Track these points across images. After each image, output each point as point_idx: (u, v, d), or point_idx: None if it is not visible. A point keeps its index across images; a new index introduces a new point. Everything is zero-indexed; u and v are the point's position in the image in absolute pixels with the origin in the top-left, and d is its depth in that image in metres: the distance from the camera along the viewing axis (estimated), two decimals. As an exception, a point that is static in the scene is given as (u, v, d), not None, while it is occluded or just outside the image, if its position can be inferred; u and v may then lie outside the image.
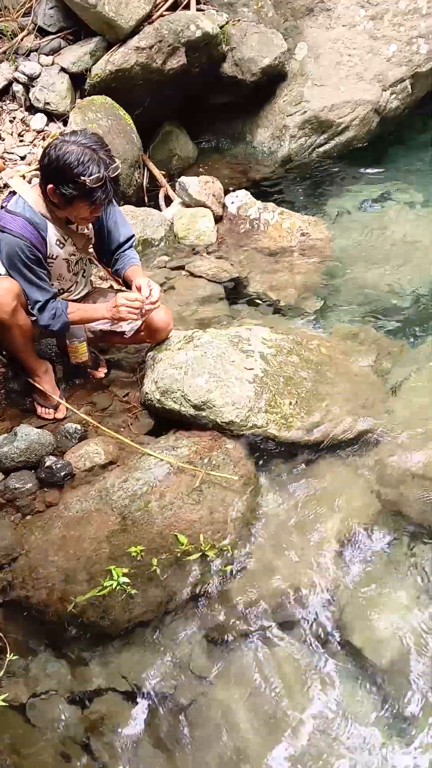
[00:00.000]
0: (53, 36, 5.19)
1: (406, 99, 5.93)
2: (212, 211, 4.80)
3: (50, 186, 2.69)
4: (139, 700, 2.36)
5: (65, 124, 4.96)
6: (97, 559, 2.56)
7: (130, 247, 3.14)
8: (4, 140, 4.92)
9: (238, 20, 5.63)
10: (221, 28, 5.35)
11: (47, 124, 5.04)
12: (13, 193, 2.84)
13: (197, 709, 2.33)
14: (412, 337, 3.83)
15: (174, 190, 5.07)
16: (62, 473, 2.87)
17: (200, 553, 2.59)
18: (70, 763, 2.23)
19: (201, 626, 2.53)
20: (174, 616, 2.55)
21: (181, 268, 4.41)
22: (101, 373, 3.42)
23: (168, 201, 5.14)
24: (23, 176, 4.45)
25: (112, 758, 2.23)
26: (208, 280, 4.28)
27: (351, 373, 3.36)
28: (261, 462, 3.01)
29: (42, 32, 5.21)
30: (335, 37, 5.81)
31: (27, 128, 5.02)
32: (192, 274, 4.35)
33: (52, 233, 2.86)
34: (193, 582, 2.58)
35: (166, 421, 3.14)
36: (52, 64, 5.10)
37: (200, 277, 4.32)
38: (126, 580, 2.48)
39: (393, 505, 2.86)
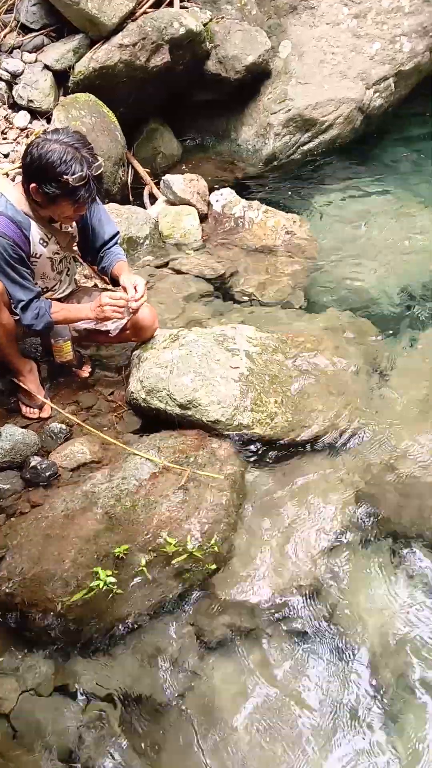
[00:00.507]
0: (36, 33, 5.16)
1: (389, 97, 5.96)
2: (197, 209, 4.79)
3: (33, 185, 2.67)
4: (126, 701, 2.35)
5: (49, 121, 4.93)
6: (83, 559, 2.54)
7: (115, 244, 3.13)
8: (-14, 138, 4.89)
9: (222, 18, 5.62)
10: (205, 25, 5.34)
11: (31, 122, 5.01)
12: (-4, 191, 2.82)
13: (185, 708, 2.33)
14: (397, 334, 3.84)
15: (159, 188, 5.06)
16: (47, 473, 2.85)
17: (187, 553, 2.59)
18: (54, 765, 2.22)
19: (188, 626, 2.53)
20: (161, 616, 2.54)
21: (166, 266, 4.41)
22: (86, 372, 3.40)
23: (153, 199, 5.12)
24: (6, 174, 4.41)
25: (99, 760, 2.22)
26: (193, 279, 4.28)
27: (336, 370, 3.36)
28: (247, 460, 3.01)
29: (25, 29, 5.18)
30: (319, 35, 5.82)
31: (10, 126, 4.99)
32: (177, 273, 4.35)
33: (35, 232, 2.84)
34: (179, 582, 2.58)
35: (151, 421, 3.13)
36: (35, 61, 5.07)
37: (185, 275, 4.31)
38: (112, 580, 2.47)
39: (378, 503, 2.87)
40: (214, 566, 2.62)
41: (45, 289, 3.08)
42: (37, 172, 2.63)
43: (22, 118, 5.00)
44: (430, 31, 5.96)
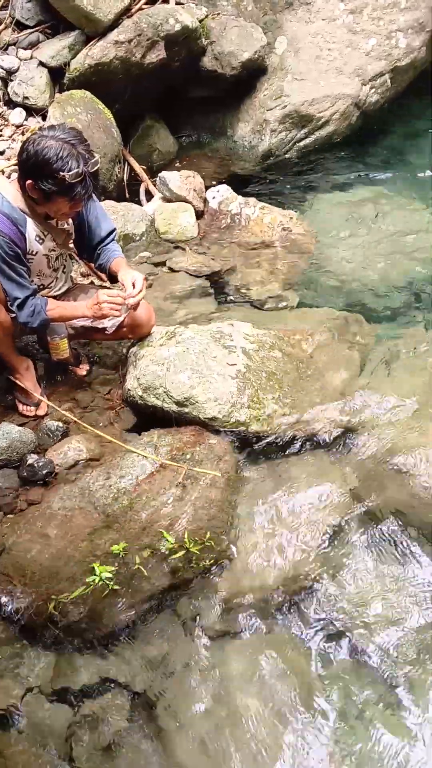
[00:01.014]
0: (31, 30, 5.14)
1: (385, 93, 5.95)
2: (193, 206, 4.79)
3: (29, 181, 2.66)
4: (124, 697, 2.36)
5: (44, 118, 4.92)
6: (80, 557, 2.55)
7: (112, 240, 3.12)
8: (-18, 135, 4.88)
9: (218, 14, 5.61)
10: (201, 21, 5.33)
11: (26, 119, 5.00)
12: (-8, 188, 2.81)
13: (184, 704, 2.33)
14: (395, 330, 3.84)
15: (155, 185, 5.05)
16: (44, 471, 2.85)
17: (184, 550, 2.59)
18: (55, 762, 2.22)
19: (186, 622, 2.53)
20: (158, 612, 2.54)
21: (163, 263, 4.40)
22: (83, 370, 3.40)
23: (149, 196, 5.11)
24: (2, 171, 4.40)
25: (98, 756, 2.22)
26: (190, 276, 4.27)
27: (333, 366, 3.37)
28: (244, 457, 3.01)
29: (20, 26, 5.16)
30: (315, 31, 5.81)
31: (5, 123, 4.97)
32: (173, 270, 4.34)
33: (32, 229, 2.83)
34: (177, 578, 2.58)
35: (148, 418, 3.13)
36: (31, 58, 5.06)
37: (182, 272, 4.31)
38: (109, 576, 2.48)
39: (374, 498, 2.87)
40: (211, 562, 2.63)
41: (41, 287, 3.07)
42: (34, 168, 2.62)
43: (17, 115, 4.98)
44: (426, 26, 5.96)
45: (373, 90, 5.84)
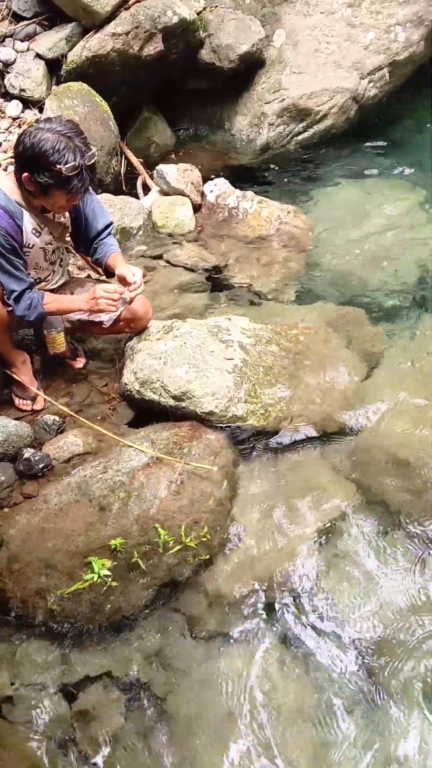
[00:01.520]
0: (28, 21, 5.11)
1: (384, 87, 5.93)
2: (191, 199, 4.77)
3: (25, 174, 2.65)
4: (120, 692, 2.36)
5: (41, 110, 4.89)
6: (76, 551, 2.54)
7: (109, 234, 3.11)
8: (-22, 127, 4.85)
9: (216, 6, 5.59)
10: (198, 14, 5.31)
11: (23, 111, 4.97)
12: (-12, 181, 2.79)
13: (179, 700, 2.33)
14: (390, 324, 3.84)
15: (152, 178, 5.03)
16: (40, 465, 2.84)
17: (180, 544, 2.59)
18: (52, 755, 2.22)
19: (182, 617, 2.53)
20: (155, 607, 2.54)
21: (160, 257, 4.39)
22: (80, 363, 3.39)
23: (146, 189, 5.10)
24: (-2, 164, 4.38)
25: (94, 751, 2.22)
26: (187, 269, 4.26)
27: (330, 360, 3.36)
28: (241, 451, 3.00)
29: (17, 17, 5.13)
30: (313, 24, 5.79)
31: (2, 115, 4.95)
32: (171, 264, 4.33)
33: (28, 222, 2.82)
34: (174, 573, 2.58)
35: (145, 412, 3.12)
36: (28, 50, 5.03)
37: (179, 266, 4.29)
38: (107, 572, 2.47)
39: (371, 491, 2.87)
40: (207, 557, 2.63)
41: (38, 280, 3.06)
42: (30, 161, 2.61)
43: (14, 107, 4.96)
44: (425, 20, 5.93)
45: (372, 84, 5.82)
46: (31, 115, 4.95)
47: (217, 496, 2.77)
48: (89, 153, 2.65)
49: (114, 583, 2.48)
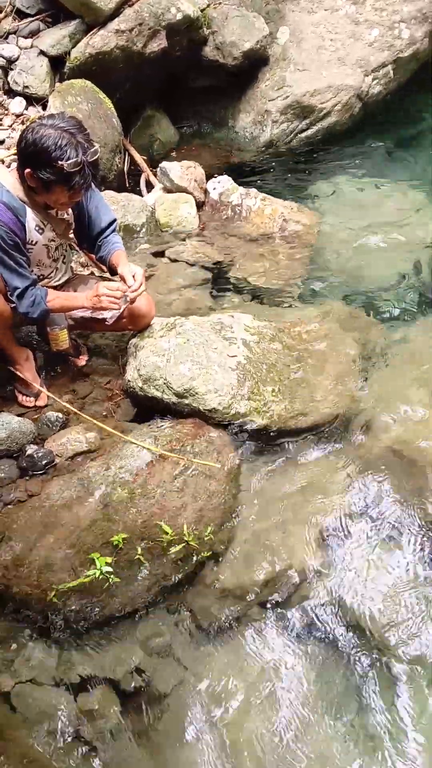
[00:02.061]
0: (32, 18, 5.11)
1: (388, 84, 5.92)
2: (194, 197, 4.76)
3: (28, 170, 2.65)
4: (123, 688, 2.36)
5: (44, 108, 4.89)
6: (79, 547, 2.54)
7: (113, 231, 3.11)
8: (-18, 124, 4.85)
9: (219, 3, 5.57)
10: (202, 11, 5.31)
11: (26, 108, 4.97)
12: (-9, 177, 2.79)
13: (183, 695, 2.33)
14: (395, 322, 3.84)
15: (155, 176, 5.02)
16: (44, 462, 2.84)
17: (184, 542, 2.58)
18: (54, 750, 2.22)
19: (185, 613, 2.54)
20: (158, 604, 2.54)
21: (163, 254, 4.38)
22: (83, 360, 3.39)
23: (149, 187, 5.09)
24: (2, 161, 4.38)
25: (96, 745, 2.23)
26: (191, 267, 4.26)
27: (333, 358, 3.35)
28: (244, 449, 3.00)
29: (20, 14, 5.14)
30: (317, 21, 5.78)
31: (6, 112, 4.95)
32: (174, 261, 4.32)
33: (31, 218, 2.82)
34: (176, 570, 2.58)
35: (148, 409, 3.12)
36: (31, 47, 5.03)
37: (182, 263, 4.29)
38: (109, 568, 2.47)
39: (375, 488, 2.87)
40: (210, 554, 2.63)
41: (41, 277, 3.05)
42: (32, 157, 2.61)
43: (17, 104, 4.96)
44: (429, 17, 5.92)
45: (376, 81, 5.81)
46: (34, 112, 4.95)
47: (220, 492, 2.77)
48: (91, 149, 2.64)
49: (116, 579, 2.48)
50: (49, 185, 2.65)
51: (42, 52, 4.99)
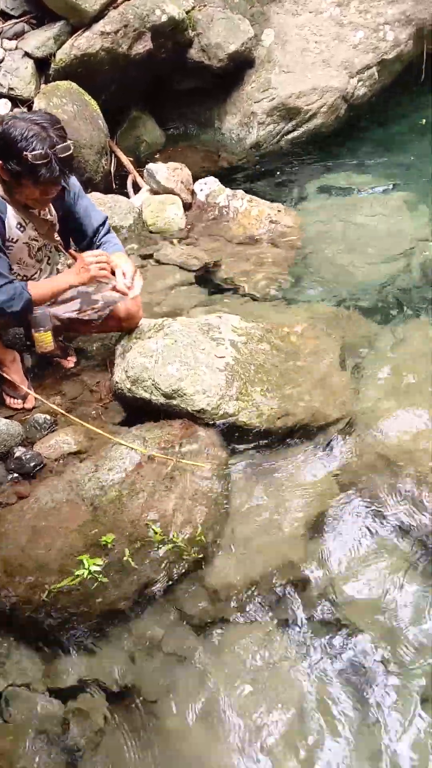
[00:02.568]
0: (16, 20, 5.10)
1: (373, 86, 5.94)
2: (181, 198, 4.77)
3: None
4: (113, 690, 2.35)
5: (30, 109, 4.88)
6: (68, 549, 2.53)
7: (108, 231, 3.11)
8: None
9: (204, 5, 5.58)
10: (187, 13, 5.31)
11: (11, 110, 4.95)
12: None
13: (173, 697, 2.33)
14: (380, 322, 3.84)
15: (142, 177, 5.02)
16: (32, 464, 2.83)
17: (172, 542, 2.58)
18: (44, 755, 2.21)
19: (174, 614, 2.53)
20: (147, 605, 2.53)
21: (150, 256, 4.38)
22: (70, 362, 3.37)
23: (136, 188, 5.09)
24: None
25: (87, 750, 2.22)
26: (178, 268, 4.25)
27: (321, 359, 3.36)
28: (232, 449, 3.00)
29: (4, 16, 5.12)
30: (302, 23, 5.80)
31: (-10, 114, 4.93)
32: (161, 262, 4.32)
33: (12, 215, 2.80)
34: (165, 570, 2.57)
35: (137, 410, 3.11)
36: (16, 48, 5.02)
37: (169, 264, 4.29)
38: (97, 569, 2.46)
39: (363, 489, 2.87)
40: (199, 555, 2.62)
41: (24, 277, 3.02)
42: (2, 149, 2.61)
43: (2, 106, 4.94)
44: (414, 19, 5.95)
45: (361, 83, 5.83)
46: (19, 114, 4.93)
47: (209, 493, 2.77)
48: (61, 145, 2.62)
49: (104, 579, 2.47)
50: (18, 177, 2.65)
51: (27, 54, 4.98)
